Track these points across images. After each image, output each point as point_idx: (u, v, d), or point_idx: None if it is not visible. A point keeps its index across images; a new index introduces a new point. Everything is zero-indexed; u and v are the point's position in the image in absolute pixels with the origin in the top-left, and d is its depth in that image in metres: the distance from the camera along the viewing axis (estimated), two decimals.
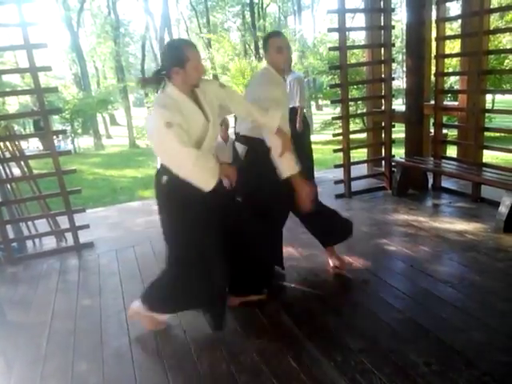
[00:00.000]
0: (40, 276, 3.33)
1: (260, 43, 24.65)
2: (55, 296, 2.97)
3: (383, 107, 4.94)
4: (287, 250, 3.29)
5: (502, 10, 9.29)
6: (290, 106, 5.16)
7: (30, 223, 4.04)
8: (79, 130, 17.51)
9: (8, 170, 3.86)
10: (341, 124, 4.81)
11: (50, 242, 4.00)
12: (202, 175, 2.02)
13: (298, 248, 3.39)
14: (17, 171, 3.94)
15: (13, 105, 21.48)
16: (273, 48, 2.58)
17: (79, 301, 2.88)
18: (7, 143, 3.80)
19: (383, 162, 5.10)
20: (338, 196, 4.76)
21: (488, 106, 11.80)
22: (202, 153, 2.04)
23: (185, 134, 1.98)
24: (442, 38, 4.49)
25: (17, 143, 3.89)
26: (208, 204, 2.12)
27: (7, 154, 3.81)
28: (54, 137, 5.63)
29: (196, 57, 2.07)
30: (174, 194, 2.13)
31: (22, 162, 3.84)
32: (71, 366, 2.18)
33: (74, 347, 2.34)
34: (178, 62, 2.03)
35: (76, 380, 2.07)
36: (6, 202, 3.71)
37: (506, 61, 12.13)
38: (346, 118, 4.67)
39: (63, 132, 5.44)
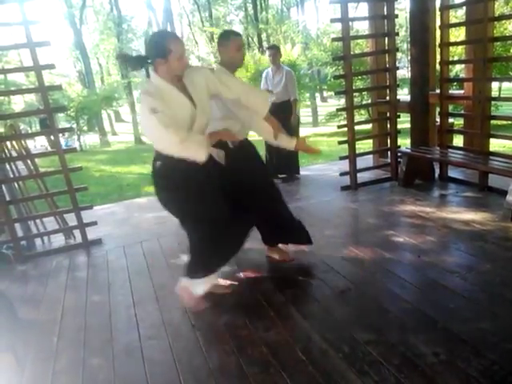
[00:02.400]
0: (49, 273, 3.36)
1: (264, 35, 24.59)
2: (65, 293, 3.00)
3: (388, 97, 4.90)
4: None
5: None
6: (285, 99, 5.24)
7: (38, 221, 4.07)
8: (85, 128, 17.57)
9: (15, 169, 3.89)
10: (345, 115, 4.79)
11: (58, 240, 4.03)
12: (193, 148, 2.12)
13: None
14: (24, 170, 3.97)
15: (18, 104, 21.62)
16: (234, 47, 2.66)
17: (89, 297, 2.91)
18: (13, 142, 3.82)
19: (389, 152, 5.06)
20: (344, 188, 4.75)
21: (494, 93, 11.68)
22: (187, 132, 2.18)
23: (168, 120, 2.09)
24: (446, 26, 4.44)
25: (23, 142, 3.92)
26: (206, 175, 2.30)
27: (14, 153, 3.84)
28: (61, 134, 5.65)
29: (179, 49, 2.18)
30: (170, 174, 2.29)
31: (29, 161, 3.86)
32: (82, 361, 2.20)
33: (84, 343, 2.36)
34: (161, 54, 2.15)
35: (87, 376, 2.10)
36: (14, 201, 3.75)
37: None
38: (350, 109, 4.65)
39: (69, 130, 5.49)
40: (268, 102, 2.50)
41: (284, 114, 5.25)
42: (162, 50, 2.14)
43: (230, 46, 2.67)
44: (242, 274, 2.97)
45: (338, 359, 1.99)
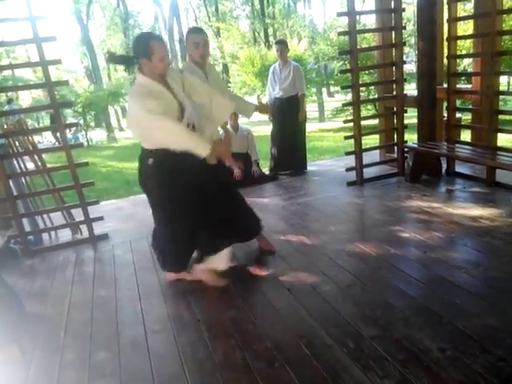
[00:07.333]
0: (56, 268, 3.39)
1: (270, 30, 24.49)
2: (72, 287, 3.02)
3: (395, 92, 4.87)
4: (299, 238, 3.31)
5: None
6: (293, 95, 5.27)
7: (45, 216, 4.10)
8: (92, 123, 17.62)
9: (22, 164, 3.91)
10: (352, 110, 4.75)
11: (65, 235, 4.06)
12: (196, 141, 2.24)
13: (309, 235, 3.39)
14: (31, 165, 3.99)
15: (26, 99, 21.75)
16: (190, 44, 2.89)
17: (95, 291, 2.93)
18: (20, 137, 3.84)
19: (395, 147, 5.03)
20: (350, 183, 4.73)
21: (503, 88, 11.56)
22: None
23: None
24: (454, 20, 4.39)
25: (30, 137, 3.94)
26: (192, 173, 2.48)
27: (21, 149, 3.86)
28: (68, 129, 5.69)
29: (161, 50, 2.35)
30: (160, 171, 2.47)
31: (36, 156, 3.89)
32: (88, 355, 2.22)
33: (90, 337, 2.38)
34: (145, 54, 2.33)
35: (93, 369, 2.12)
36: (21, 196, 3.77)
37: None
38: (356, 103, 4.62)
39: (75, 125, 5.49)
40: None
41: (291, 110, 5.25)
42: (146, 50, 2.31)
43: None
44: (247, 270, 2.98)
45: (342, 354, 1.99)
